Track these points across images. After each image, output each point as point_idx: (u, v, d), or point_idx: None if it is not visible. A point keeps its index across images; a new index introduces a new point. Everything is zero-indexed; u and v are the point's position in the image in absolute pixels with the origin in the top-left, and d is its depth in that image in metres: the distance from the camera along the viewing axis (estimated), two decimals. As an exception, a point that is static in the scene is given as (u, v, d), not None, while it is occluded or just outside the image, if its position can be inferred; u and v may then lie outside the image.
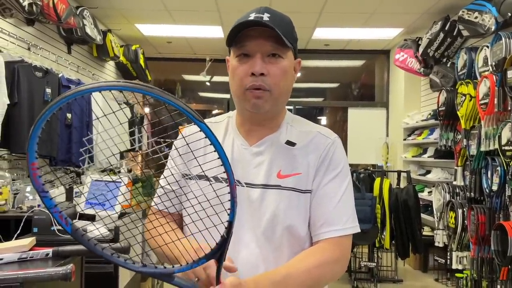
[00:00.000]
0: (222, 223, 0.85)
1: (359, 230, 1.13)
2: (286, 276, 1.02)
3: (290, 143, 1.16)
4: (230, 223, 0.82)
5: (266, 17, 1.08)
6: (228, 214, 0.81)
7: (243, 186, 1.13)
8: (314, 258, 1.07)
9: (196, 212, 0.90)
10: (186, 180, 1.16)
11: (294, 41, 1.14)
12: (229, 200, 0.81)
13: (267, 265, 1.08)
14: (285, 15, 1.15)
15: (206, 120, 1.26)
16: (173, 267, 0.85)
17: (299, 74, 1.44)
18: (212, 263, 0.91)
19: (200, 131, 0.75)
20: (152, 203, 1.22)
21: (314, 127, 1.21)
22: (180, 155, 1.17)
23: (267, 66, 1.09)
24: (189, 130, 1.20)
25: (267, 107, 1.12)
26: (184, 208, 1.15)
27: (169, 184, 1.16)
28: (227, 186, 0.80)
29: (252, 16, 1.09)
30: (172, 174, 1.18)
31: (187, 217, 1.11)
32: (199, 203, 0.91)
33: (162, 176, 1.22)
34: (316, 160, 1.14)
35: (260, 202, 1.11)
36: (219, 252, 0.85)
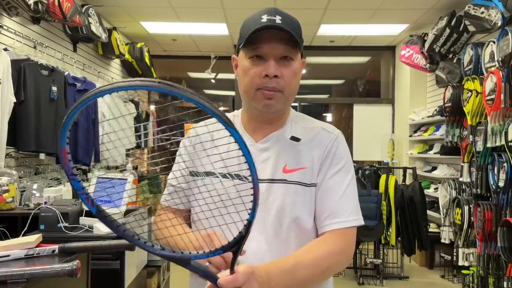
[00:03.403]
0: (229, 212, 0.87)
1: (363, 223, 1.16)
2: (295, 265, 1.03)
3: (295, 139, 1.19)
4: (250, 222, 0.83)
5: (278, 19, 1.10)
6: (249, 214, 0.83)
7: (250, 182, 1.14)
8: (321, 248, 1.10)
9: (205, 202, 0.92)
10: (194, 177, 1.19)
11: (302, 42, 1.17)
12: (241, 197, 0.84)
13: (275, 259, 1.10)
14: (294, 17, 1.17)
15: (211, 119, 1.28)
16: (190, 253, 0.86)
17: (304, 71, 1.46)
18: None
19: (230, 135, 0.77)
20: (162, 200, 1.25)
21: (317, 124, 1.25)
22: (189, 152, 1.21)
23: (280, 68, 1.11)
24: (199, 129, 1.24)
25: (278, 107, 1.15)
26: (194, 200, 1.18)
27: (176, 178, 1.19)
28: (243, 183, 0.85)
29: (264, 19, 1.11)
30: (179, 169, 1.21)
31: (201, 213, 1.14)
32: (213, 193, 0.92)
33: (171, 173, 1.25)
34: (321, 154, 1.17)
35: (267, 196, 1.14)
36: (236, 246, 0.87)
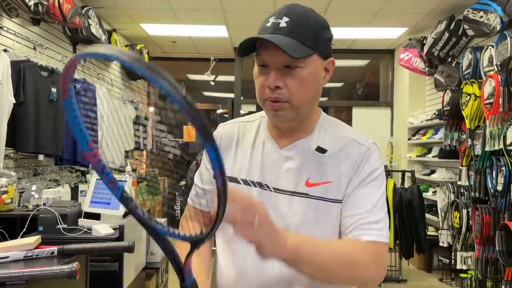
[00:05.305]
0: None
1: (388, 242, 1.05)
2: (321, 243, 0.97)
3: (320, 150, 1.10)
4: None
5: (283, 22, 1.00)
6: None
7: (271, 191, 1.10)
8: (350, 244, 1.02)
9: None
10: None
11: (320, 43, 1.04)
12: None
13: (294, 274, 1.01)
14: (311, 15, 1.05)
15: (238, 119, 1.23)
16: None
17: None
18: None
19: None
20: (188, 199, 1.24)
21: (349, 132, 1.15)
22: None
23: (283, 78, 1.01)
24: (225, 129, 1.20)
25: (289, 117, 1.06)
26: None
27: (201, 180, 1.20)
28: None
29: (270, 22, 1.02)
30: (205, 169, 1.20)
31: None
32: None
33: (197, 172, 1.24)
34: (350, 168, 1.08)
35: (287, 209, 1.08)
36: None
